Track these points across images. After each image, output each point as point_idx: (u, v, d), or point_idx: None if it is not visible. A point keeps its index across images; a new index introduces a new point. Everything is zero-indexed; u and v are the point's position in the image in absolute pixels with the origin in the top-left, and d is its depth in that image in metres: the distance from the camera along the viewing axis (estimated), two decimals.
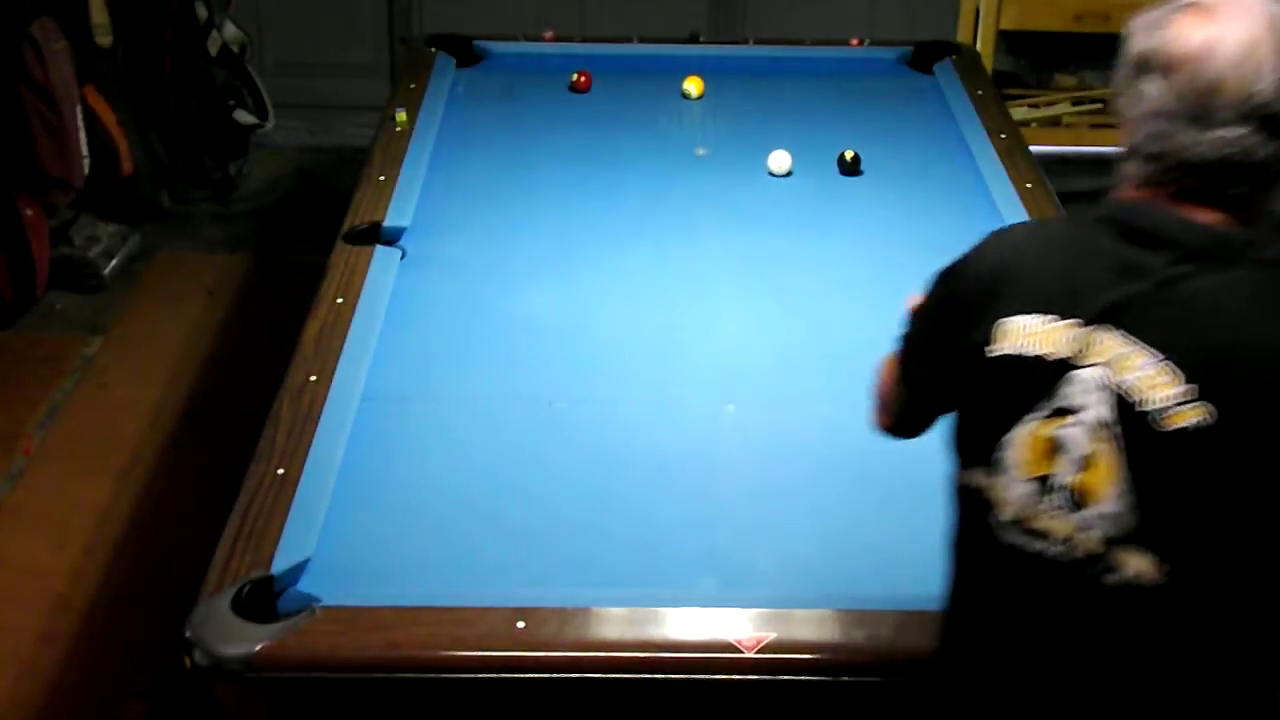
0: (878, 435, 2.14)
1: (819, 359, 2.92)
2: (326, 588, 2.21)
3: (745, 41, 4.76)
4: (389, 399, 2.72)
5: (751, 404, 2.77)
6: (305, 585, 2.23)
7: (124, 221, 5.05)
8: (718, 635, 2.12)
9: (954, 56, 4.26)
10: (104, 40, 5.03)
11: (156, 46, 5.13)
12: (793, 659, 2.10)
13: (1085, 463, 1.67)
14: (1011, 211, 3.31)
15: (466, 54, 4.26)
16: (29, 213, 4.52)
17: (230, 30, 5.29)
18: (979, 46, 5.18)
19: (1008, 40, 5.55)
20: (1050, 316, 1.70)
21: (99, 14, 5.05)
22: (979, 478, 1.78)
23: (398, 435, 2.64)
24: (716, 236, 3.37)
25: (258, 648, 2.07)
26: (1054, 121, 5.50)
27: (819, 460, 2.62)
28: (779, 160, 3.63)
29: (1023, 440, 1.72)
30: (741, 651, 2.10)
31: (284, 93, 5.64)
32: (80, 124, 4.62)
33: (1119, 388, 1.64)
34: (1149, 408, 1.62)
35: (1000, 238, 1.88)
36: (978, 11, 5.33)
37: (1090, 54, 5.66)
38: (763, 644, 2.10)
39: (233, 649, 2.07)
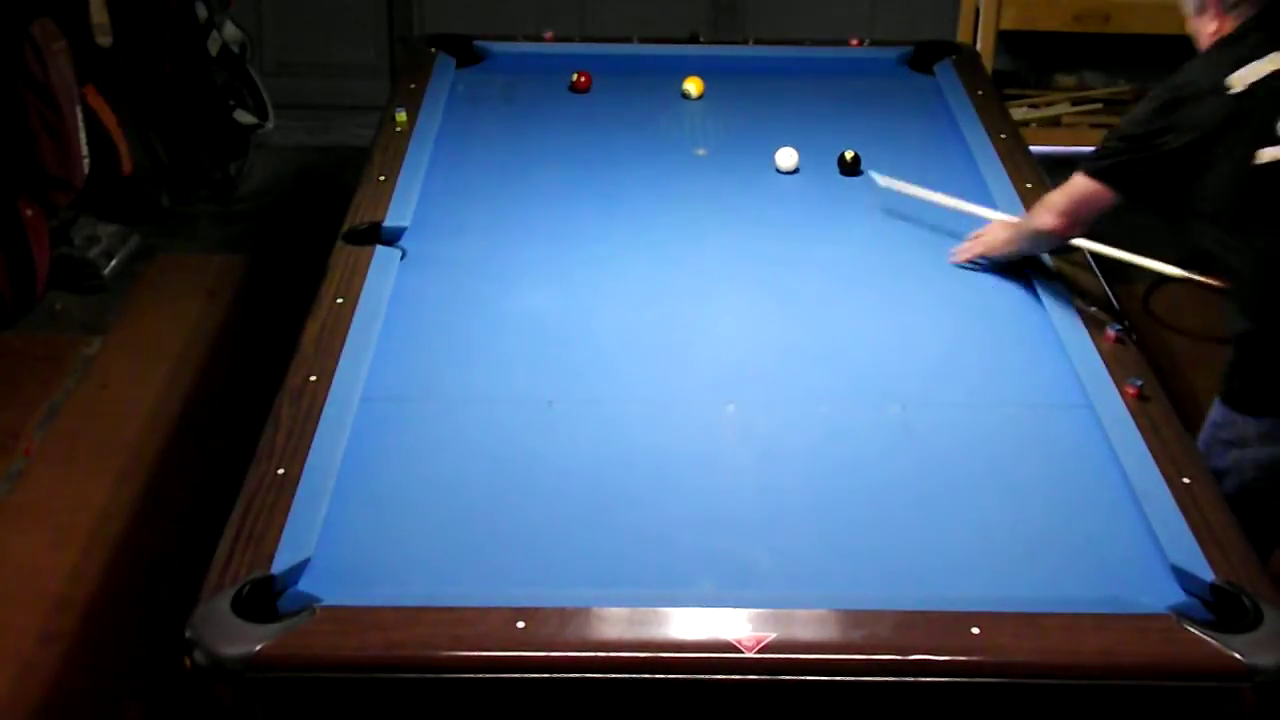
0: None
1: (819, 359, 2.92)
2: (326, 588, 2.21)
3: (745, 41, 4.76)
4: (389, 399, 2.72)
5: (751, 404, 2.77)
6: (305, 585, 2.23)
7: (124, 221, 5.05)
8: (718, 635, 2.12)
9: (954, 56, 4.26)
10: (104, 40, 5.03)
11: (156, 46, 5.13)
12: (793, 659, 2.10)
13: None
14: (1011, 212, 3.31)
15: (466, 54, 4.26)
16: (29, 213, 4.51)
17: (230, 30, 5.30)
18: (979, 46, 5.19)
19: (1008, 40, 5.55)
20: None
21: (99, 14, 5.05)
22: None
23: (398, 435, 2.64)
24: (716, 236, 3.37)
25: (258, 648, 2.07)
26: (1054, 121, 5.51)
27: (819, 460, 2.62)
28: (786, 157, 3.64)
29: None
30: (741, 651, 2.10)
31: (284, 93, 5.64)
32: (80, 124, 4.62)
33: None
34: None
35: None
36: (978, 11, 5.34)
37: (1090, 54, 5.66)
38: (763, 644, 2.10)
39: (233, 649, 2.07)
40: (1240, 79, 2.57)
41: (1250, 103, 2.55)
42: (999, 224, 3.24)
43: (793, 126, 3.85)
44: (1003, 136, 3.77)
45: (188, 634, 2.10)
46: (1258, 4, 2.62)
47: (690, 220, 3.43)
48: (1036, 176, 3.57)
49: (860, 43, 4.42)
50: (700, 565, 2.35)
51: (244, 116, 5.34)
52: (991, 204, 3.41)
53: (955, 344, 2.99)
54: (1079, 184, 2.88)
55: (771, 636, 2.11)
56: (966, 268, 3.20)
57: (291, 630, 2.10)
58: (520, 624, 2.12)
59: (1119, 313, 2.98)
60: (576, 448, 2.63)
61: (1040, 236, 3.04)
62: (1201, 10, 2.75)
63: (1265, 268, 2.58)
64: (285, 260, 4.96)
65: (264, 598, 2.17)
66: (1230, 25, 2.66)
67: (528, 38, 4.44)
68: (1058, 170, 3.91)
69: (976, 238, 3.24)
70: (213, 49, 5.23)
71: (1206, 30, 2.74)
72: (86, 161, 4.66)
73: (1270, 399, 2.66)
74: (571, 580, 2.29)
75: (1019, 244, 3.13)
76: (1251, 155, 2.54)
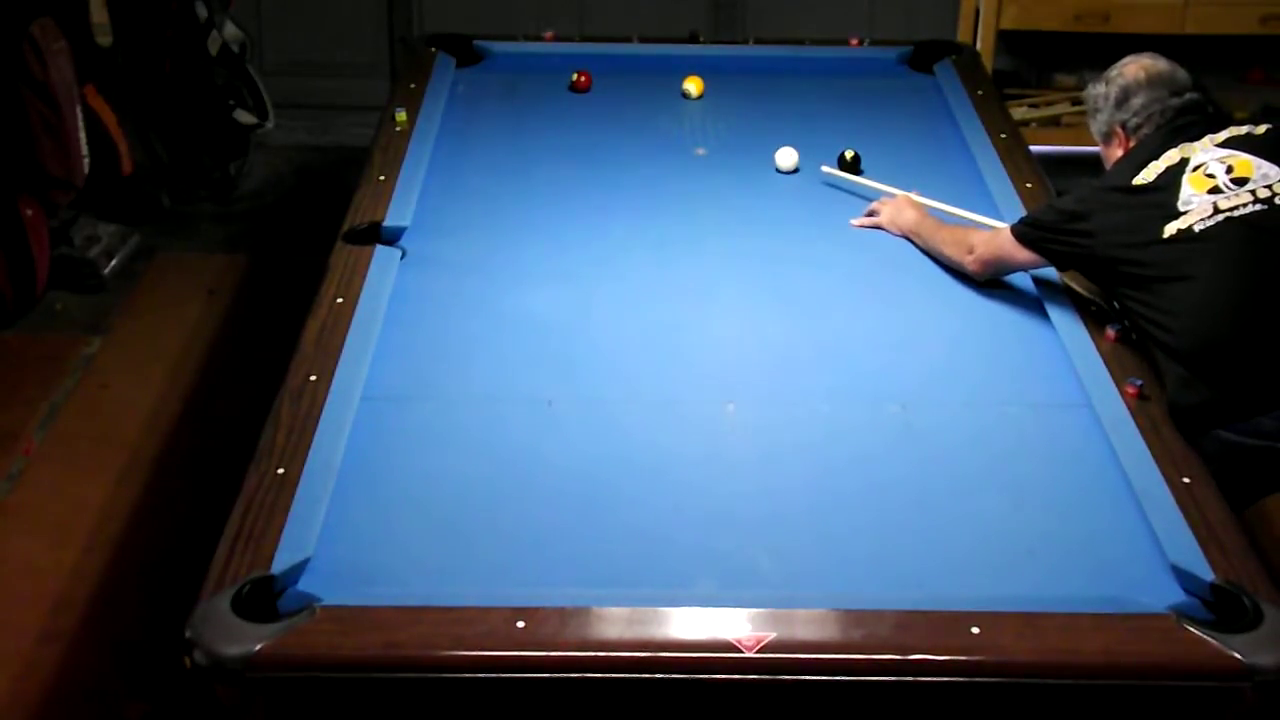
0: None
1: (819, 358, 2.92)
2: (326, 588, 2.21)
3: (745, 41, 4.76)
4: (389, 399, 2.72)
5: (751, 403, 2.77)
6: (305, 585, 2.23)
7: (124, 221, 5.05)
8: (718, 635, 2.12)
9: (954, 56, 4.26)
10: (104, 40, 5.03)
11: (156, 46, 5.14)
12: (793, 659, 2.10)
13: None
14: (1012, 211, 3.31)
15: (466, 54, 4.26)
16: (29, 213, 4.51)
17: (230, 30, 5.30)
18: (979, 46, 5.18)
19: (1008, 40, 5.55)
20: None
21: (99, 14, 5.06)
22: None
23: (397, 435, 2.64)
24: (716, 236, 3.37)
25: (258, 648, 2.06)
26: (1054, 121, 5.51)
27: (819, 459, 2.62)
28: (786, 157, 3.64)
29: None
30: (741, 651, 2.10)
31: (284, 93, 5.64)
32: (80, 124, 4.62)
33: None
34: None
35: None
36: (978, 11, 5.33)
37: (1090, 54, 5.66)
38: (763, 644, 2.10)
39: (233, 649, 2.07)
40: (1144, 177, 2.91)
41: (1156, 191, 2.88)
42: (905, 201, 3.38)
43: (793, 126, 3.85)
44: (1003, 136, 3.77)
45: (188, 634, 2.10)
46: (1153, 124, 3.04)
47: (690, 220, 3.43)
48: (1036, 176, 3.57)
49: (860, 42, 4.42)
50: (700, 565, 2.35)
51: (244, 116, 5.34)
52: (992, 204, 3.41)
53: (955, 343, 2.99)
54: (1007, 244, 3.05)
55: (771, 636, 2.11)
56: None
57: (291, 630, 2.10)
58: (520, 624, 2.12)
59: (1119, 312, 2.98)
60: (576, 447, 2.63)
61: (953, 264, 3.20)
62: (1109, 139, 3.13)
63: (1187, 310, 2.78)
64: (285, 260, 4.96)
65: (264, 597, 2.17)
66: (1133, 143, 3.07)
67: (528, 38, 4.44)
68: (1058, 170, 3.92)
69: (882, 205, 3.42)
70: (213, 49, 5.23)
71: (1114, 155, 3.11)
72: (86, 161, 4.66)
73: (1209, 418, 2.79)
74: (571, 580, 2.29)
75: (925, 245, 3.28)
76: (1161, 231, 2.82)
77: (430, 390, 2.79)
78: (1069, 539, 2.42)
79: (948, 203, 3.37)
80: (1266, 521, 3.42)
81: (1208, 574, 2.26)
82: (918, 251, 3.29)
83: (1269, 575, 2.28)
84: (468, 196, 3.51)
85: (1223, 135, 2.95)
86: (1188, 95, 3.04)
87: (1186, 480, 2.49)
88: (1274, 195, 2.82)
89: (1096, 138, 3.17)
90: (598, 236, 3.35)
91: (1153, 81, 3.05)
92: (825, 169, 3.59)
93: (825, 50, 4.39)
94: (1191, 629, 2.12)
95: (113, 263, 4.90)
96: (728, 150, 3.79)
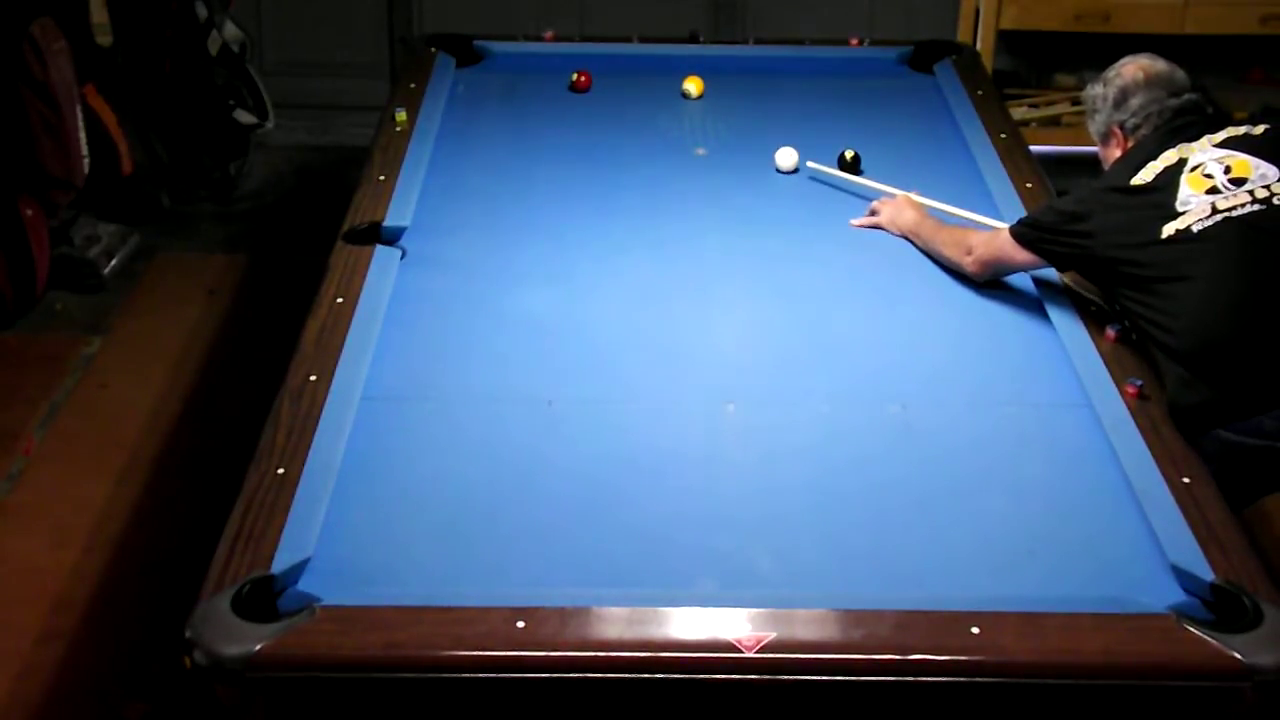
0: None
1: (819, 358, 2.92)
2: (326, 588, 2.21)
3: (745, 41, 4.76)
4: (389, 399, 2.72)
5: (751, 403, 2.77)
6: (305, 585, 2.23)
7: (124, 221, 5.06)
8: (718, 635, 2.12)
9: (954, 56, 4.26)
10: (104, 40, 5.03)
11: (156, 46, 5.14)
12: (793, 659, 2.10)
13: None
14: (1012, 211, 3.32)
15: (466, 54, 4.26)
16: (29, 213, 4.52)
17: (230, 30, 5.30)
18: (979, 46, 5.18)
19: (1008, 40, 5.55)
20: None
21: (99, 14, 5.06)
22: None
23: (397, 435, 2.64)
24: (716, 236, 3.37)
25: (258, 648, 2.06)
26: (1054, 121, 5.51)
27: (819, 459, 2.62)
28: (786, 157, 3.64)
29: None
30: (741, 651, 2.10)
31: (284, 93, 5.64)
32: (80, 124, 4.62)
33: None
34: None
35: None
36: (978, 11, 5.33)
37: (1090, 54, 5.66)
38: (763, 644, 2.10)
39: (233, 649, 2.07)
40: (1142, 177, 2.92)
41: (1154, 192, 2.89)
42: (905, 201, 3.38)
43: (792, 126, 3.85)
44: (1003, 136, 3.77)
45: (188, 634, 2.10)
46: (1151, 124, 3.05)
47: (690, 220, 3.43)
48: (1037, 176, 3.57)
49: (860, 42, 4.42)
50: (700, 565, 2.35)
51: (244, 116, 5.34)
52: (992, 204, 3.41)
53: (955, 343, 2.99)
54: (1006, 245, 3.05)
55: (771, 636, 2.11)
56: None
57: (291, 630, 2.10)
58: (520, 624, 2.12)
59: (1119, 312, 2.98)
60: (576, 447, 2.63)
61: (952, 264, 3.20)
62: (1107, 140, 3.15)
63: (1187, 310, 2.78)
64: (285, 260, 4.96)
65: (264, 597, 2.17)
66: (1131, 144, 3.08)
67: (528, 38, 4.44)
68: (1058, 170, 3.92)
69: (882, 205, 3.42)
70: (213, 49, 5.23)
71: (1113, 156, 3.12)
72: (86, 161, 4.66)
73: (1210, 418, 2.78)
74: (571, 580, 2.29)
75: (925, 245, 3.28)
76: (1159, 232, 2.83)
77: (430, 390, 2.79)
78: (1069, 539, 2.42)
79: (948, 203, 3.38)
80: (1266, 521, 3.42)
81: (1208, 574, 2.26)
82: (918, 251, 3.29)
83: (1269, 575, 2.28)
84: (468, 196, 3.51)
85: (1221, 135, 2.95)
86: (1186, 96, 3.05)
87: (1186, 480, 2.49)
88: (1272, 195, 2.83)
89: (1095, 138, 3.18)
90: (598, 236, 3.35)
91: (1151, 82, 3.06)
92: (811, 164, 3.59)
93: (825, 50, 4.39)
94: (1191, 629, 2.12)
95: (113, 263, 4.90)
96: (728, 150, 3.79)
